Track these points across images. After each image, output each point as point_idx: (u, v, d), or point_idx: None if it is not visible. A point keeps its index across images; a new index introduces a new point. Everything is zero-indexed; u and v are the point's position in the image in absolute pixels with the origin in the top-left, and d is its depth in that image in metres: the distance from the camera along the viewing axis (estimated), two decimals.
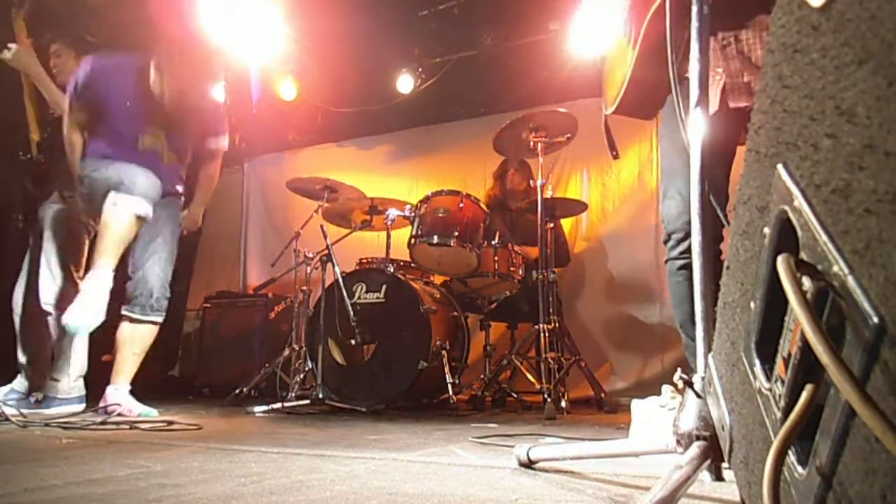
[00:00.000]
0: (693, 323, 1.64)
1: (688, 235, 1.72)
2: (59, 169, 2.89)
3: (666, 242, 1.79)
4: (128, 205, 2.51)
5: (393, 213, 3.49)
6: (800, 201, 0.50)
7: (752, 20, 1.60)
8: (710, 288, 1.03)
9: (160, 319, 2.86)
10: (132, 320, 2.77)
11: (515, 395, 3.63)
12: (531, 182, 4.13)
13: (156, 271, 2.81)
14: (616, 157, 2.10)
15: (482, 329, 3.84)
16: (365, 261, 3.72)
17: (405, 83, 5.03)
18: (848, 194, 0.43)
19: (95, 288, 2.46)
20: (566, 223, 4.47)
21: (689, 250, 1.71)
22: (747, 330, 0.64)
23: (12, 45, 2.87)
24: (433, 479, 1.20)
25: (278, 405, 3.11)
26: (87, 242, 2.99)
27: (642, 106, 1.84)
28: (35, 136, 2.91)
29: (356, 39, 4.65)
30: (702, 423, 0.94)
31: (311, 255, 3.63)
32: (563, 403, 3.03)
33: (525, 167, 4.22)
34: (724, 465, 0.88)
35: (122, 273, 2.72)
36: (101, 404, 2.65)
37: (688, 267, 1.72)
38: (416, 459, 1.47)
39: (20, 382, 2.94)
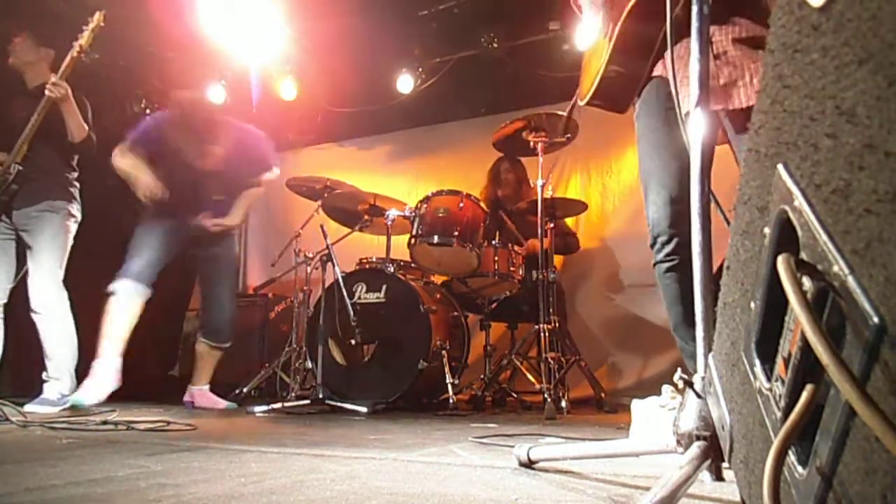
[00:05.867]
0: (686, 325, 1.64)
1: (672, 238, 1.71)
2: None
3: (652, 246, 1.80)
4: None
5: (393, 213, 3.49)
6: (800, 201, 0.50)
7: (723, 21, 1.59)
8: (710, 288, 1.03)
9: (228, 345, 3.43)
10: (210, 346, 3.37)
11: (515, 395, 3.63)
12: (529, 181, 4.13)
13: (226, 305, 3.41)
14: (568, 136, 2.12)
15: (482, 329, 3.84)
16: (365, 261, 3.73)
17: (405, 83, 5.03)
18: (848, 194, 0.43)
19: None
20: (566, 221, 4.47)
21: (674, 252, 1.71)
22: (747, 330, 0.64)
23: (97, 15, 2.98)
24: (433, 479, 1.20)
25: (278, 405, 3.11)
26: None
27: (615, 98, 1.86)
28: (25, 147, 2.95)
29: (356, 39, 4.65)
30: (702, 423, 0.94)
31: (311, 255, 3.63)
32: (563, 403, 3.03)
33: (518, 165, 4.22)
34: (725, 465, 0.88)
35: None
36: (188, 399, 3.36)
37: (675, 269, 1.72)
38: (416, 459, 1.47)
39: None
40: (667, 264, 1.74)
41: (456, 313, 3.67)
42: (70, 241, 3.07)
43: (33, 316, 2.92)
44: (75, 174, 3.16)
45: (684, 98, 1.52)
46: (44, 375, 2.91)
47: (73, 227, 3.09)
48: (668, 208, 1.70)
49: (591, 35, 1.92)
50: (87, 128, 3.02)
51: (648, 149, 1.77)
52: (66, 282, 3.02)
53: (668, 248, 1.73)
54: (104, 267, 3.17)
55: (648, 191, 1.77)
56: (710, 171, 1.68)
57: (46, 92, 2.86)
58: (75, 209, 3.11)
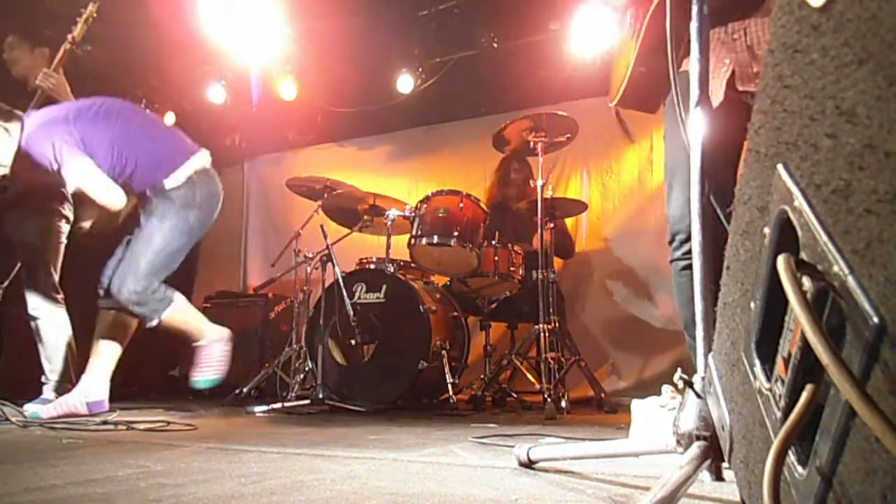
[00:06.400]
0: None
1: (690, 236, 1.71)
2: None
3: (670, 243, 1.79)
4: None
5: (393, 213, 3.49)
6: (800, 201, 0.50)
7: (759, 8, 1.59)
8: (710, 288, 1.02)
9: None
10: None
11: (515, 395, 3.63)
12: (531, 181, 4.13)
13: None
14: (632, 140, 2.11)
15: (482, 329, 3.84)
16: (365, 261, 3.73)
17: (405, 83, 5.03)
18: (848, 194, 0.43)
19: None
20: (566, 223, 4.47)
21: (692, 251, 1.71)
22: (747, 330, 0.64)
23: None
24: (433, 479, 1.20)
25: (278, 405, 3.11)
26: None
27: (645, 99, 1.84)
28: None
29: (356, 39, 4.65)
30: (702, 423, 0.94)
31: (311, 255, 3.63)
32: (563, 403, 3.03)
33: (525, 164, 4.22)
34: (724, 465, 0.88)
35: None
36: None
37: (692, 267, 1.71)
38: (416, 459, 1.47)
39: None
40: (683, 262, 1.73)
41: (456, 313, 3.67)
42: (63, 242, 3.06)
43: (30, 321, 2.92)
44: None
45: (714, 80, 1.53)
46: (43, 378, 2.91)
47: (66, 228, 3.08)
48: (690, 207, 1.70)
49: (615, 35, 1.91)
50: None
51: (676, 144, 1.76)
52: (64, 284, 3.02)
53: (685, 247, 1.72)
54: (100, 268, 3.16)
55: (672, 188, 1.76)
56: (738, 163, 1.68)
57: (38, 81, 2.87)
58: (67, 209, 3.10)
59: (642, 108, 1.87)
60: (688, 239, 1.72)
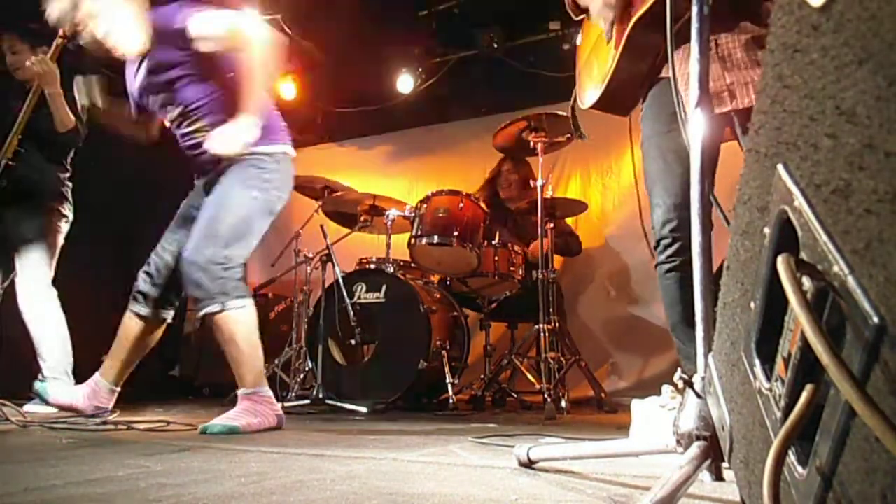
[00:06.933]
0: (683, 326, 1.65)
1: (674, 241, 1.73)
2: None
3: (655, 248, 1.82)
4: None
5: (393, 213, 3.50)
6: (800, 201, 0.50)
7: (730, 25, 1.61)
8: (710, 288, 1.03)
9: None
10: None
11: (515, 395, 3.63)
12: (531, 182, 4.13)
13: None
14: (581, 136, 2.16)
15: (482, 329, 3.84)
16: (365, 261, 3.73)
17: (405, 83, 5.03)
18: (848, 194, 0.43)
19: None
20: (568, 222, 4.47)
21: (676, 254, 1.73)
22: (747, 330, 0.64)
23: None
24: (433, 479, 1.20)
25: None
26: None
27: (620, 103, 1.89)
28: (15, 141, 2.94)
29: (356, 39, 4.66)
30: (702, 423, 0.94)
31: (311, 255, 3.64)
32: (563, 403, 3.04)
33: (523, 165, 4.21)
34: (724, 465, 0.88)
35: None
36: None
37: (676, 269, 1.73)
38: (416, 459, 1.47)
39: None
40: (668, 265, 1.75)
41: (456, 313, 3.67)
42: (60, 242, 3.06)
43: (24, 318, 2.93)
44: (67, 174, 3.15)
45: (687, 91, 1.54)
46: (39, 377, 2.91)
47: (64, 228, 3.08)
48: (673, 213, 1.72)
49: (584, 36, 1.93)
50: (74, 119, 2.98)
51: (654, 152, 1.78)
52: (62, 282, 3.02)
53: (670, 251, 1.75)
54: (100, 267, 3.15)
55: (653, 195, 1.78)
56: (714, 172, 1.69)
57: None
58: (66, 209, 3.10)
59: (616, 111, 1.91)
60: (672, 243, 1.74)
